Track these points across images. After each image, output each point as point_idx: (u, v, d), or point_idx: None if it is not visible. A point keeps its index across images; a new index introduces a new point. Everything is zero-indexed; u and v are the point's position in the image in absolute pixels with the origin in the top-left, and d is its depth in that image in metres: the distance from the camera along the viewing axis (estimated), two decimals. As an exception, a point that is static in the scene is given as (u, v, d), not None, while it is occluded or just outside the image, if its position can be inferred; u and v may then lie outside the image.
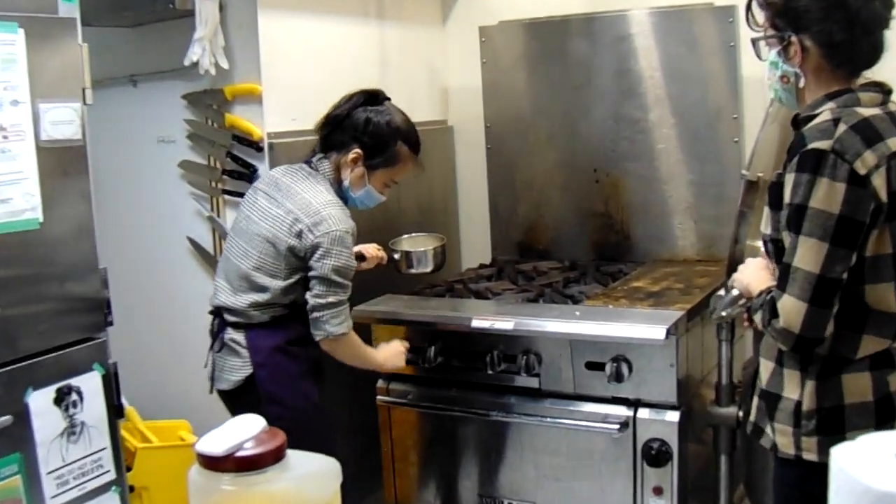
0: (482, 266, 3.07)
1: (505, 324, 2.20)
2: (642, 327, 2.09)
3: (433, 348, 2.35)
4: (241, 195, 2.45)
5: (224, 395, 2.12)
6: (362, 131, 2.09)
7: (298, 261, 2.04)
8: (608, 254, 3.05)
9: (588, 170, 3.02)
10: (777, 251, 1.56)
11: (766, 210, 1.60)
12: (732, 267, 1.85)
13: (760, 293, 1.56)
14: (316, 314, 2.04)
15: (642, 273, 2.72)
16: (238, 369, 2.04)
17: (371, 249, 2.44)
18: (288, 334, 2.06)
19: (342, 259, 2.03)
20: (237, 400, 2.04)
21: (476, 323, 2.24)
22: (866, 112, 1.50)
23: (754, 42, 1.63)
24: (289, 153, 2.42)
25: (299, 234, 2.00)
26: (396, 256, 2.52)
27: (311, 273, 2.03)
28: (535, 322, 2.21)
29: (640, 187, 2.94)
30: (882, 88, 1.56)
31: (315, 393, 2.10)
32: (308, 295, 2.04)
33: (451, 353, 2.37)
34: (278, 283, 2.02)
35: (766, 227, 1.60)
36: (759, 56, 1.66)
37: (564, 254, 3.12)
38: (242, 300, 2.05)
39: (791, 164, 1.48)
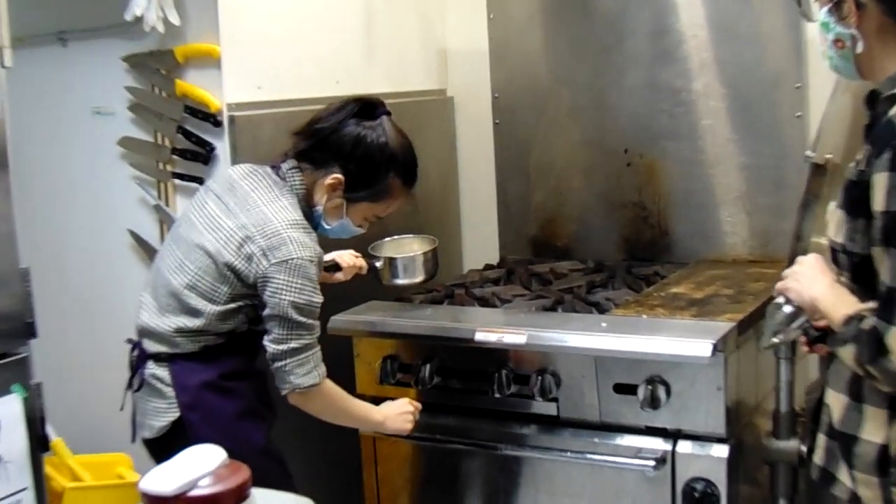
0: (488, 267, 3.07)
1: (516, 337, 2.21)
2: (683, 342, 2.07)
3: (428, 367, 2.35)
4: (195, 179, 2.47)
5: (148, 444, 2.11)
6: (349, 154, 2.08)
7: (244, 287, 2.03)
8: (642, 253, 3.03)
9: (618, 151, 3.03)
10: (854, 266, 1.54)
11: (839, 213, 1.57)
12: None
13: (849, 320, 1.51)
14: (277, 363, 2.03)
15: (683, 276, 2.71)
16: (163, 413, 2.03)
17: (347, 257, 2.45)
18: (222, 367, 2.05)
19: (304, 294, 2.00)
20: (165, 449, 1.96)
21: (481, 336, 2.24)
22: None
23: (799, 2, 1.64)
24: (253, 130, 2.41)
25: (249, 258, 2.00)
26: (378, 264, 2.53)
27: (267, 312, 2.02)
28: (552, 335, 2.21)
29: (681, 172, 2.91)
30: None
31: (260, 435, 2.10)
32: (266, 340, 2.04)
33: (451, 373, 2.37)
34: (214, 309, 2.03)
35: (836, 234, 1.58)
36: (806, 17, 1.65)
37: (588, 252, 3.09)
38: (168, 323, 2.05)
39: (882, 160, 1.44)
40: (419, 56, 3.16)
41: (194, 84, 2.47)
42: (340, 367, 2.45)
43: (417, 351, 2.39)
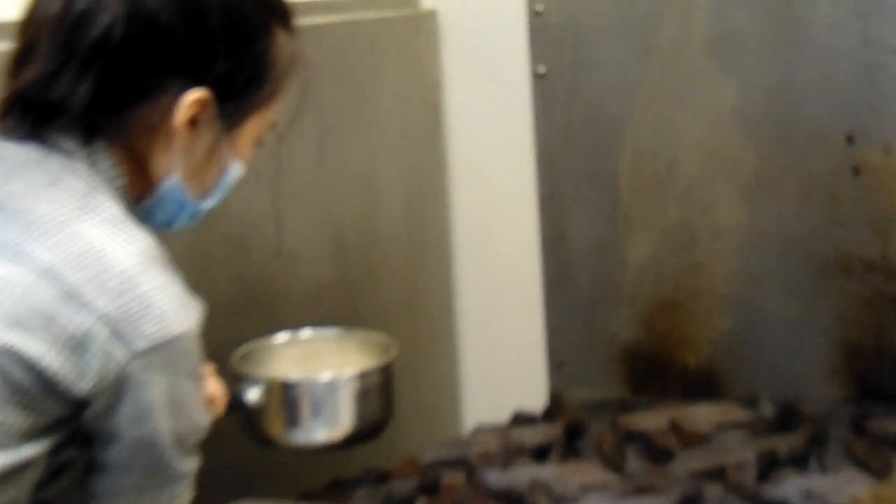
0: (523, 420, 2.77)
1: None
2: None
3: None
4: None
5: None
6: (191, 36, 1.89)
7: (59, 407, 1.80)
8: (890, 384, 2.74)
9: (833, 137, 2.73)
10: None
11: None
12: None
13: None
14: None
15: None
16: None
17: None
18: None
19: (190, 411, 1.87)
20: None
21: None
22: None
23: None
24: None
25: (82, 342, 1.79)
26: (251, 397, 2.30)
27: (112, 452, 1.82)
28: None
29: None
30: None
31: None
32: (100, 495, 1.87)
33: None
34: None
35: None
36: None
37: (763, 382, 2.83)
38: None
39: None
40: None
41: None
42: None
43: None
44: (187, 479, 1.87)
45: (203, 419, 1.90)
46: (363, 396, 2.36)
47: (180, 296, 1.82)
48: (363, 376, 2.34)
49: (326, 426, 2.36)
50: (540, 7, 2.91)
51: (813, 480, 2.35)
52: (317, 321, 2.56)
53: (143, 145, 1.89)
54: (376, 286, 2.95)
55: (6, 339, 1.78)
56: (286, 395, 2.35)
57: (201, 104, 1.85)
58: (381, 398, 2.37)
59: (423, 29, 3.08)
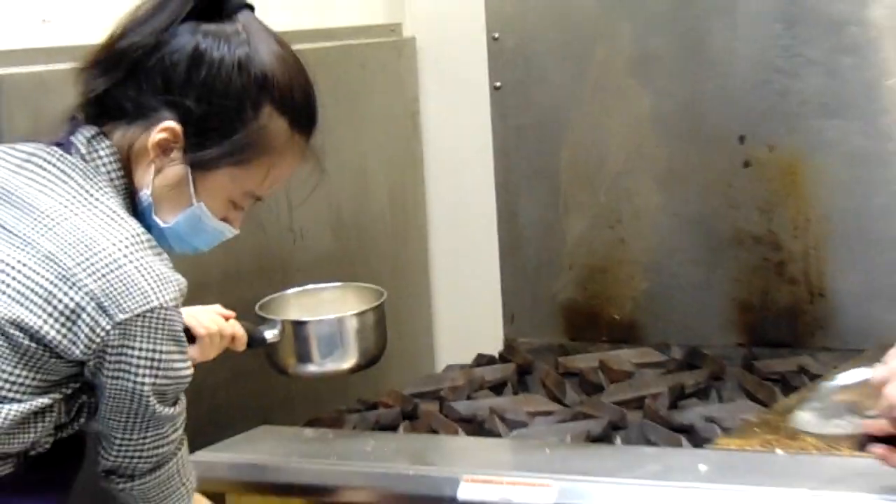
0: (483, 361, 2.94)
1: (536, 493, 2.15)
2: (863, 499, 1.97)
3: None
4: None
5: None
6: (184, 83, 2.04)
7: (63, 366, 1.95)
8: (773, 332, 2.92)
9: (727, 138, 2.91)
10: None
11: None
12: None
13: None
14: (121, 483, 2.02)
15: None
16: None
17: (208, 320, 2.35)
18: None
19: (171, 368, 1.97)
20: None
21: (470, 491, 2.17)
22: None
23: None
24: (35, 102, 2.32)
25: (73, 315, 1.92)
26: (270, 334, 2.44)
27: (104, 401, 1.96)
28: (603, 489, 2.14)
29: (850, 178, 2.83)
30: None
31: None
32: (101, 448, 2.02)
33: None
34: (7, 411, 1.92)
35: None
36: None
37: (673, 333, 3.00)
38: None
39: None
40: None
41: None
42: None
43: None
44: (172, 422, 2.03)
45: (184, 373, 2.00)
46: (361, 332, 2.51)
47: (161, 274, 1.96)
48: (360, 315, 2.51)
49: (331, 357, 2.53)
50: (496, 35, 3.14)
51: (713, 408, 2.53)
52: (319, 279, 2.75)
53: (134, 156, 2.09)
54: (366, 256, 3.17)
55: (15, 313, 1.93)
56: (297, 333, 2.50)
57: (172, 132, 2.02)
58: (375, 334, 2.52)
59: (404, 52, 3.31)
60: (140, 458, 2.04)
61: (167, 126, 2.01)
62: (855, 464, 2.07)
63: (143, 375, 1.96)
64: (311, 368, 2.51)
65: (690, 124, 3.03)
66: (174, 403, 2.02)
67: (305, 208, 2.93)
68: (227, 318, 2.41)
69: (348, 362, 2.50)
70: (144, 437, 2.02)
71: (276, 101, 2.06)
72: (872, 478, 2.01)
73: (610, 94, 3.08)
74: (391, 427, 2.57)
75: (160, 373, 1.97)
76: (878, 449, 1.98)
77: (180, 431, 2.07)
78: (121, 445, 2.03)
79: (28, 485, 2.03)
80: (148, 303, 1.93)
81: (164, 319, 1.95)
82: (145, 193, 2.07)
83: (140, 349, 1.95)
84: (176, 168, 2.06)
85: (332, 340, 2.52)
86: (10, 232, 1.98)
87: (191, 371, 2.00)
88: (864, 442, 2.04)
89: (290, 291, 2.62)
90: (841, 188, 2.93)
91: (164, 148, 2.02)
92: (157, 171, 2.07)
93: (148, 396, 1.98)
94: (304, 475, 2.35)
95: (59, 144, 2.05)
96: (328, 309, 2.57)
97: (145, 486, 2.06)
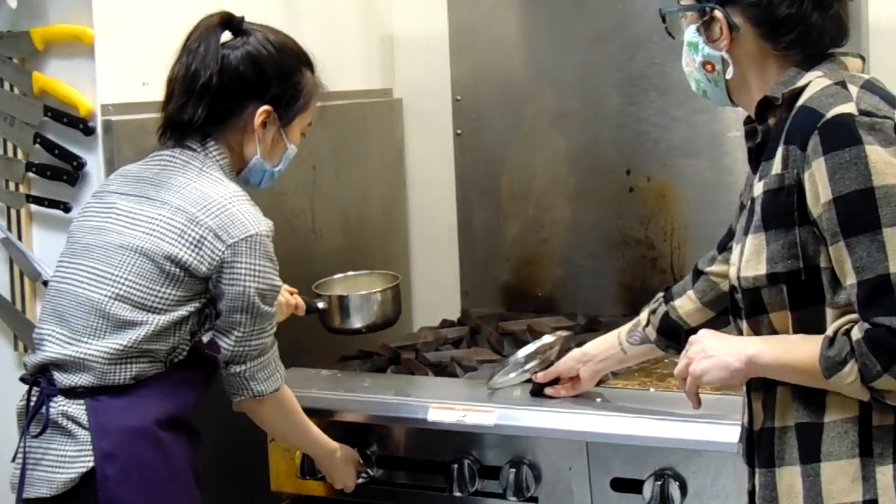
0: (446, 324, 3.40)
1: (482, 416, 2.47)
2: (704, 425, 2.25)
3: (368, 455, 2.59)
4: (59, 205, 2.70)
5: None
6: (258, 80, 2.40)
7: (194, 283, 2.30)
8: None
9: (618, 171, 3.40)
10: (794, 291, 1.84)
11: (749, 239, 1.87)
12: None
13: (832, 341, 1.80)
14: (236, 367, 2.33)
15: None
16: (69, 462, 2.22)
17: (280, 294, 2.61)
18: (159, 409, 2.27)
19: (268, 277, 2.30)
20: None
21: (436, 415, 2.50)
22: (863, 76, 1.84)
23: (664, 17, 1.98)
24: (139, 139, 2.59)
25: (198, 243, 2.27)
26: (322, 305, 2.88)
27: (226, 304, 2.30)
28: (529, 414, 2.44)
29: (702, 199, 3.27)
30: (860, 55, 1.91)
31: None
32: (222, 340, 2.33)
33: (396, 464, 2.59)
34: (156, 320, 2.27)
35: (755, 266, 1.87)
36: (670, 33, 2.00)
37: (579, 305, 3.46)
38: (91, 349, 2.24)
39: (810, 148, 1.77)
40: (357, 45, 3.49)
41: (58, 78, 2.70)
42: (249, 456, 2.79)
43: (353, 434, 2.60)
44: (269, 320, 2.36)
45: (277, 282, 2.35)
46: (382, 303, 2.98)
47: (256, 214, 2.33)
48: (382, 292, 3.02)
49: (364, 318, 2.98)
50: (459, 97, 3.68)
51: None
52: (334, 270, 3.18)
53: (237, 140, 2.44)
54: (365, 249, 3.61)
55: (161, 247, 2.29)
56: (340, 303, 2.97)
57: (267, 113, 2.42)
58: (393, 305, 2.99)
59: (394, 109, 3.82)
60: (250, 345, 2.35)
61: (263, 109, 2.42)
62: (709, 399, 2.32)
63: (249, 281, 2.30)
64: (349, 325, 2.97)
65: (592, 161, 3.54)
66: (272, 304, 2.35)
67: (323, 215, 3.43)
68: (291, 293, 2.82)
69: (374, 322, 2.99)
70: (252, 329, 2.34)
71: (303, 62, 2.49)
72: (717, 407, 2.40)
73: (537, 138, 3.61)
74: (382, 370, 3.00)
75: (260, 278, 2.30)
76: (549, 390, 2.49)
77: (274, 329, 2.38)
78: (237, 337, 2.34)
79: (174, 382, 2.38)
80: (248, 231, 2.30)
81: (260, 243, 2.31)
82: (256, 158, 2.45)
83: (245, 262, 2.30)
84: (271, 132, 2.46)
85: (362, 308, 2.98)
86: (152, 199, 2.36)
87: (280, 282, 2.38)
88: (536, 389, 2.53)
89: (335, 277, 3.08)
90: (696, 207, 3.40)
91: (264, 124, 2.43)
92: (260, 141, 2.45)
93: (253, 297, 2.30)
94: (320, 402, 2.73)
95: (179, 146, 2.45)
96: (361, 287, 3.05)
97: (254, 367, 2.37)
